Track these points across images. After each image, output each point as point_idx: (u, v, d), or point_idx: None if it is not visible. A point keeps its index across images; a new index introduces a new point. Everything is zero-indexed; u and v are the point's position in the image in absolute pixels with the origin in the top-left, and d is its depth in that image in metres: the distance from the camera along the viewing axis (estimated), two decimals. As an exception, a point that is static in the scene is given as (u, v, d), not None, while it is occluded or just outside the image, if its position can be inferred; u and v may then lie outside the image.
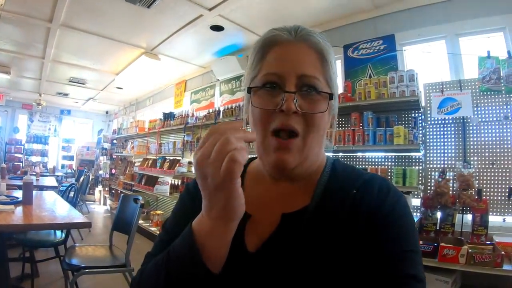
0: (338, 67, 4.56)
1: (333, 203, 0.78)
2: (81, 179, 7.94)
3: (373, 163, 4.00)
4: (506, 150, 3.22)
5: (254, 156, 0.98)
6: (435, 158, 3.57)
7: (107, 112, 13.33)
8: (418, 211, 3.41)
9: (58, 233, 3.95)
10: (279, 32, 0.83)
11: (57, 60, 6.90)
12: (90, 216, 8.68)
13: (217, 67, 6.19)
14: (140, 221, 5.64)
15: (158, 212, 7.09)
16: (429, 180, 3.54)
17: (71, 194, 5.40)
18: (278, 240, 0.78)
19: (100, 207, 10.53)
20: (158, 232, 6.11)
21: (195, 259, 0.67)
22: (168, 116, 7.18)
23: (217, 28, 5.01)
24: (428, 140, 3.62)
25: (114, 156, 10.45)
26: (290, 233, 0.76)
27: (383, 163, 3.92)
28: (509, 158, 3.20)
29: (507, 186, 3.15)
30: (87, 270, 2.95)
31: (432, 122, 3.61)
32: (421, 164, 3.64)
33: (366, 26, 4.44)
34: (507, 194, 3.14)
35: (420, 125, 3.60)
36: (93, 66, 7.35)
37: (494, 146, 3.28)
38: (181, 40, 5.54)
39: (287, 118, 0.76)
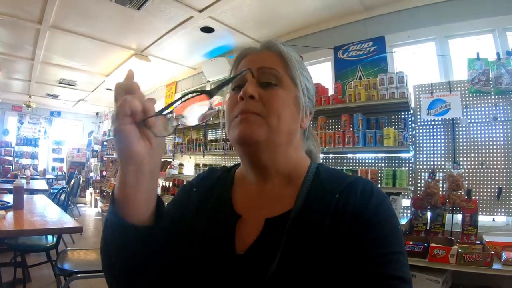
0: (328, 69, 4.62)
1: (316, 207, 0.79)
2: (72, 182, 7.88)
3: (363, 165, 4.02)
4: (495, 150, 3.27)
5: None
6: (425, 159, 3.61)
7: (97, 114, 13.22)
8: (409, 211, 3.44)
9: (50, 237, 3.92)
10: (248, 46, 0.94)
11: (46, 61, 6.84)
12: (81, 219, 8.64)
13: (207, 69, 6.17)
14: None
15: (149, 214, 7.00)
16: (419, 181, 3.57)
17: (62, 196, 5.35)
18: (263, 243, 0.78)
19: (91, 210, 10.47)
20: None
21: (112, 208, 0.71)
22: (159, 118, 7.09)
23: (207, 29, 5.01)
24: (418, 141, 3.66)
25: (104, 158, 10.37)
26: (273, 238, 0.77)
27: (373, 164, 3.95)
28: (498, 158, 3.25)
29: (496, 186, 3.20)
30: (79, 275, 2.92)
31: (422, 124, 3.64)
32: (411, 165, 3.67)
33: (356, 28, 4.46)
34: (496, 194, 3.18)
35: (410, 126, 3.65)
36: (83, 68, 7.29)
37: (483, 147, 3.33)
38: (172, 41, 5.53)
39: (246, 103, 0.82)
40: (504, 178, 3.20)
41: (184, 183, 1.05)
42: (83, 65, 7.09)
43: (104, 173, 10.10)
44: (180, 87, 7.66)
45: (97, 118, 13.41)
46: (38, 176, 10.16)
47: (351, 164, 4.13)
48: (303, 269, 0.71)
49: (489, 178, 3.27)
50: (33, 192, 6.03)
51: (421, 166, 3.61)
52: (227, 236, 0.81)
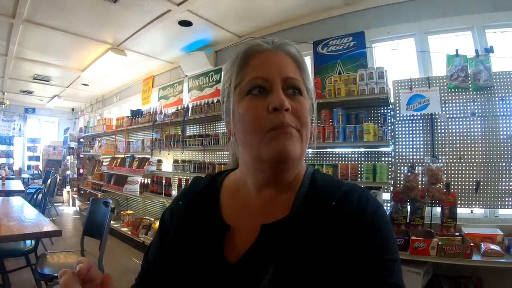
0: (307, 64, 4.59)
1: (312, 215, 0.77)
2: (49, 181, 7.73)
3: (344, 159, 4.04)
4: (473, 145, 3.36)
5: (231, 169, 1.01)
6: (404, 153, 3.65)
7: (73, 110, 12.95)
8: (389, 205, 3.47)
9: (28, 240, 3.81)
10: (259, 42, 0.85)
11: (20, 57, 6.65)
12: (59, 218, 8.47)
13: (185, 63, 6.13)
14: (111, 222, 5.53)
15: (128, 212, 6.98)
16: (398, 175, 3.62)
17: (39, 196, 5.23)
18: (258, 251, 0.77)
19: (69, 209, 10.24)
20: (129, 233, 6.08)
21: None
22: (136, 113, 7.04)
23: (185, 23, 4.93)
24: (397, 136, 3.69)
25: (81, 156, 10.17)
26: (269, 244, 0.76)
27: (353, 159, 3.97)
28: (476, 152, 3.34)
29: (474, 179, 3.29)
30: (61, 280, 2.84)
31: (401, 118, 3.68)
32: (390, 159, 3.71)
33: (336, 23, 4.46)
34: (474, 187, 3.27)
35: (390, 121, 3.68)
36: (58, 63, 7.12)
37: (461, 141, 3.41)
38: (149, 35, 5.43)
39: (282, 115, 0.76)
40: (482, 172, 3.29)
41: (163, 211, 1.01)
42: (57, 60, 6.92)
43: (81, 170, 9.90)
44: (157, 82, 7.58)
45: (72, 114, 13.13)
46: (13, 176, 9.95)
47: (331, 159, 4.13)
48: (299, 277, 0.69)
49: (467, 172, 3.36)
50: (9, 193, 5.90)
51: (400, 160, 3.66)
52: (216, 247, 0.80)
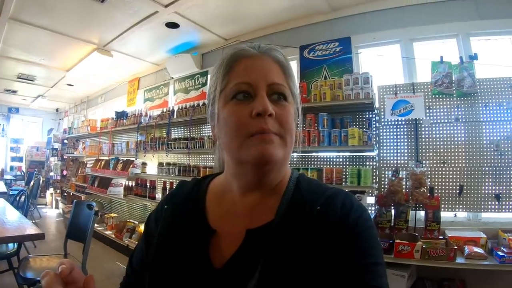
0: (293, 68, 4.60)
1: (297, 219, 0.77)
2: (32, 182, 7.61)
3: (329, 163, 4.06)
4: (456, 149, 3.43)
5: (216, 173, 1.01)
6: (388, 158, 3.70)
7: (57, 110, 12.73)
8: (373, 209, 3.50)
9: (10, 244, 3.74)
10: (245, 46, 0.86)
11: (4, 55, 6.54)
12: (42, 221, 8.32)
13: (171, 65, 6.11)
14: (95, 225, 5.46)
15: (112, 215, 6.87)
16: (383, 179, 3.65)
17: (22, 198, 5.16)
18: (244, 256, 0.77)
19: (52, 211, 10.07)
20: (113, 236, 6.01)
21: None
22: (121, 115, 6.97)
23: (172, 25, 4.92)
24: (382, 141, 3.73)
25: (65, 157, 10.03)
26: (254, 249, 0.76)
27: (338, 163, 3.99)
28: (460, 157, 3.41)
29: (458, 183, 3.36)
30: (44, 284, 2.79)
31: (386, 123, 3.71)
32: (375, 163, 3.74)
33: (323, 28, 4.49)
34: (457, 191, 3.34)
35: (374, 126, 3.70)
36: (42, 62, 7.02)
37: (445, 146, 3.47)
38: (135, 36, 5.39)
39: (264, 121, 0.77)
40: (465, 176, 3.36)
41: (148, 216, 1.00)
42: (42, 59, 6.82)
43: (65, 172, 9.76)
44: (143, 83, 7.53)
45: (57, 114, 12.91)
46: (-4, 178, 9.74)
47: (316, 163, 4.15)
48: (285, 281, 0.70)
49: (451, 176, 3.42)
50: (-9, 196, 5.78)
51: (385, 165, 3.70)
52: (201, 252, 0.80)
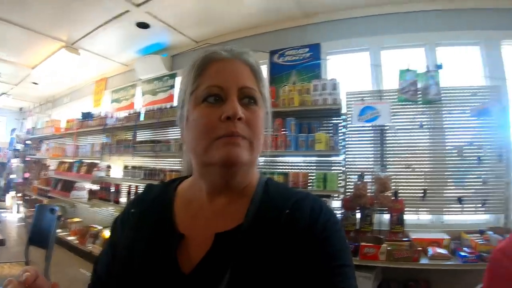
0: (263, 72, 4.62)
1: (266, 223, 0.78)
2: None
3: (295, 168, 4.07)
4: (420, 155, 3.55)
5: (184, 176, 1.00)
6: (354, 163, 3.76)
7: (21, 109, 12.31)
8: (339, 212, 3.53)
9: (-32, 250, 3.60)
10: (217, 49, 0.86)
11: (-34, 50, 6.29)
12: (2, 226, 7.94)
13: (140, 66, 6.01)
14: (57, 230, 5.30)
15: (75, 219, 6.68)
16: (348, 183, 3.70)
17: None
18: (212, 260, 0.76)
19: (13, 216, 9.64)
20: (77, 242, 5.83)
21: None
22: (87, 116, 6.82)
23: (143, 25, 4.85)
24: (348, 146, 3.79)
25: (27, 159, 9.72)
26: (223, 253, 0.75)
27: (304, 168, 4.01)
28: (423, 162, 3.53)
29: (421, 187, 3.47)
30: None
31: (353, 129, 3.78)
32: (341, 168, 3.79)
33: (294, 34, 4.53)
34: (421, 194, 3.45)
35: (341, 131, 3.75)
36: (7, 58, 6.74)
37: (409, 151, 3.58)
38: (105, 35, 5.27)
39: (233, 125, 0.77)
40: (429, 180, 3.49)
41: (114, 220, 0.98)
42: (7, 55, 6.57)
43: (27, 175, 9.46)
44: (110, 84, 7.35)
45: (20, 114, 12.48)
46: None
47: (282, 167, 4.16)
48: (254, 285, 0.70)
49: (415, 180, 3.54)
50: None
51: (351, 169, 3.75)
52: (169, 257, 0.78)
